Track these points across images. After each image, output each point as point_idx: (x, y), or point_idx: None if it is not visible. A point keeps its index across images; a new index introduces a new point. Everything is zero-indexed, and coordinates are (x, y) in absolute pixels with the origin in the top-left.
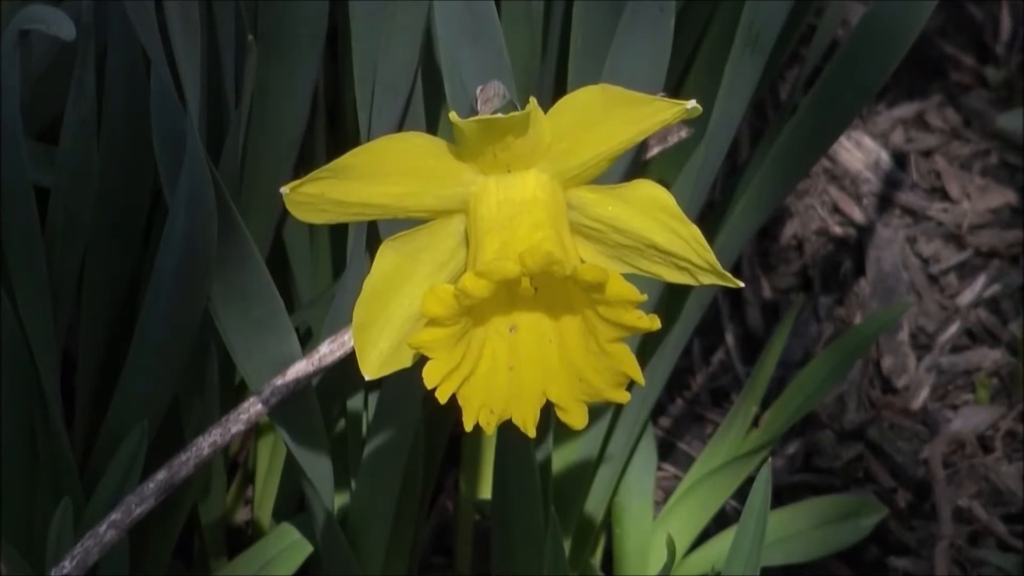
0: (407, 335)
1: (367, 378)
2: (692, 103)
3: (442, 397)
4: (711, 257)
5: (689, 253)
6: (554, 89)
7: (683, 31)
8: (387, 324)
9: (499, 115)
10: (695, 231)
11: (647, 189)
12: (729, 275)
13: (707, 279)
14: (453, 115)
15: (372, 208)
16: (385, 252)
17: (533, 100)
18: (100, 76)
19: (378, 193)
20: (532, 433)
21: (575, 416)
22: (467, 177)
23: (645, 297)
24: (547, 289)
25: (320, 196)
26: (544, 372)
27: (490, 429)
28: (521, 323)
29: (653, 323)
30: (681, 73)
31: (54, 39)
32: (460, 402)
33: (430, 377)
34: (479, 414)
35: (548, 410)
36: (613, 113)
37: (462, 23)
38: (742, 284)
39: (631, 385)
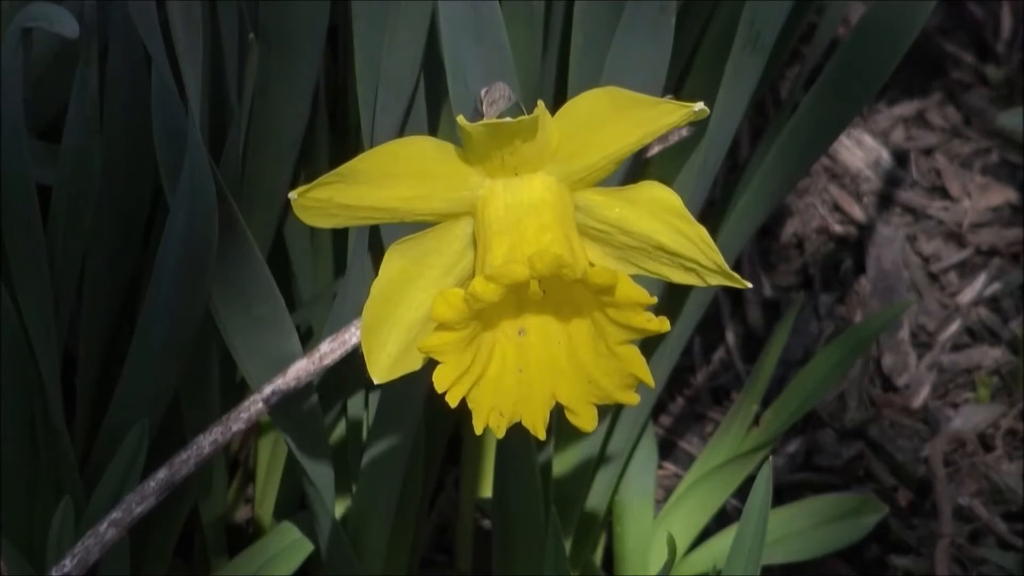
0: (415, 338)
1: (376, 382)
2: (700, 105)
3: (452, 401)
4: (718, 258)
5: (696, 254)
6: (555, 87)
7: (683, 30)
8: (395, 328)
9: (507, 119)
10: (702, 232)
11: (654, 191)
12: (736, 275)
13: (714, 280)
14: (461, 119)
15: (380, 212)
16: (392, 256)
17: (541, 104)
18: (102, 74)
19: (386, 197)
20: (542, 436)
21: (584, 418)
22: (474, 180)
23: (655, 299)
24: (556, 292)
25: (328, 200)
26: (553, 374)
27: (500, 432)
28: (530, 326)
29: (663, 325)
30: (682, 72)
31: (56, 37)
32: (470, 405)
33: (440, 381)
34: (489, 417)
35: (551, 410)
36: (620, 116)
37: (466, 21)
38: (749, 285)
39: (638, 386)
